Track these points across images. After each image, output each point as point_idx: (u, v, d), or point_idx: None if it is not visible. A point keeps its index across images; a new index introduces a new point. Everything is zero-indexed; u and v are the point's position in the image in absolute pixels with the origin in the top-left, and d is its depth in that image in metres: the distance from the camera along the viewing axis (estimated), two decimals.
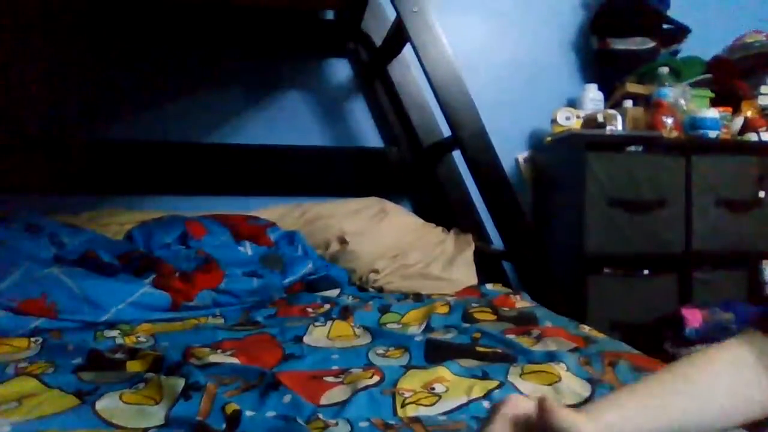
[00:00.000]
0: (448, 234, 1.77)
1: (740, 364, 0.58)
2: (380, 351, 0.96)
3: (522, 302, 1.33)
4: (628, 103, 1.95)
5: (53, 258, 1.29)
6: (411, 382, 0.77)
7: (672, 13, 2.12)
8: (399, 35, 1.68)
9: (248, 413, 0.62)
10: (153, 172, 1.92)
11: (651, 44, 2.07)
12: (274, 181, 1.99)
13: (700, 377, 0.58)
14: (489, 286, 1.55)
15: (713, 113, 1.86)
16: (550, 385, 0.76)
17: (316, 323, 1.10)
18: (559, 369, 0.80)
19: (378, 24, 1.95)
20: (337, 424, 0.62)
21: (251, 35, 1.97)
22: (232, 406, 0.63)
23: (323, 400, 0.72)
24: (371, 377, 0.77)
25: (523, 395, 0.48)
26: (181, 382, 0.68)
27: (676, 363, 0.61)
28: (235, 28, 1.96)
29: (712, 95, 2.00)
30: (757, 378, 0.57)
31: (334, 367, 0.87)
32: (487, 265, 1.72)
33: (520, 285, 1.67)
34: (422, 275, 1.57)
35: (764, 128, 1.91)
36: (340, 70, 2.11)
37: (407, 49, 1.74)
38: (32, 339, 1.00)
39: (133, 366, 0.82)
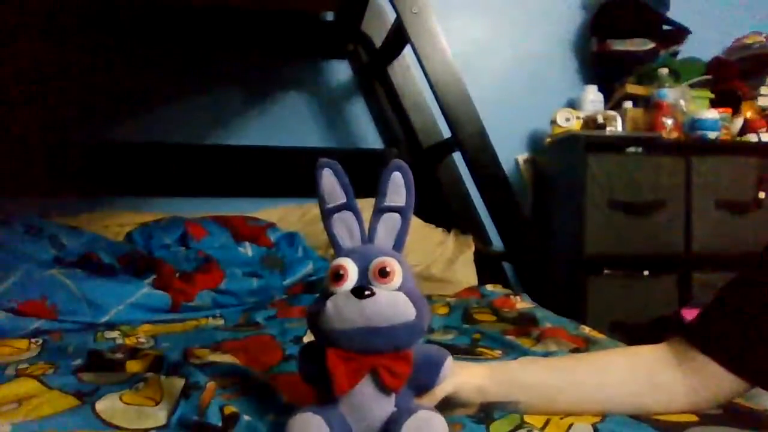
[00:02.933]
0: (448, 235, 1.77)
1: (641, 363, 0.64)
2: None
3: (522, 303, 1.33)
4: (628, 104, 1.95)
5: (53, 259, 1.29)
6: None
7: (672, 14, 2.12)
8: (399, 36, 1.68)
9: (246, 417, 0.62)
10: (153, 174, 1.92)
11: (650, 45, 2.07)
12: (274, 182, 1.99)
13: (600, 365, 0.65)
14: (489, 287, 1.54)
15: (713, 114, 1.86)
16: None
17: None
18: None
19: (378, 25, 1.95)
20: None
21: (251, 37, 1.98)
22: (230, 408, 0.63)
23: None
24: None
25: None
26: (181, 382, 0.68)
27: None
28: (235, 30, 1.96)
29: (712, 96, 2.00)
30: (672, 380, 0.61)
31: None
32: (487, 266, 1.73)
33: (520, 286, 1.67)
34: (422, 276, 1.57)
35: (764, 129, 1.91)
36: (340, 71, 2.11)
37: (407, 50, 1.74)
38: (32, 340, 1.00)
39: (133, 366, 0.82)
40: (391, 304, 0.54)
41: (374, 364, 0.54)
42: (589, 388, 0.62)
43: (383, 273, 0.55)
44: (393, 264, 0.56)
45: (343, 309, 0.54)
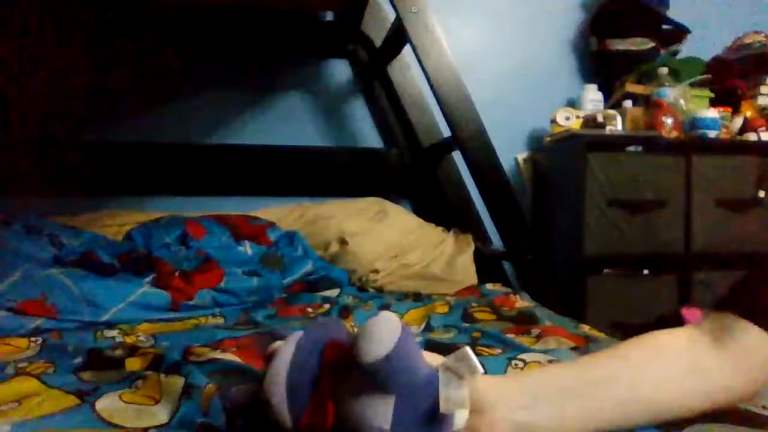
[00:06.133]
0: (448, 234, 1.77)
1: (680, 350, 0.57)
2: None
3: (522, 302, 1.33)
4: (628, 104, 1.95)
5: (53, 259, 1.29)
6: None
7: (671, 13, 2.12)
8: (398, 36, 1.68)
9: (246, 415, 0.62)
10: (153, 173, 1.92)
11: (650, 45, 2.07)
12: (274, 181, 1.99)
13: (637, 356, 0.57)
14: (489, 286, 1.55)
15: (713, 113, 1.86)
16: None
17: None
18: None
19: (377, 25, 1.95)
20: None
21: (251, 36, 1.97)
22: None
23: None
24: None
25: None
26: (180, 381, 0.69)
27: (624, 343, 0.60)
28: (235, 30, 1.96)
29: (712, 95, 2.00)
30: (716, 363, 0.55)
31: None
32: (486, 265, 1.73)
33: (519, 285, 1.67)
34: (422, 275, 1.57)
35: (764, 128, 1.92)
36: (340, 71, 2.11)
37: (407, 50, 1.74)
38: (32, 339, 1.00)
39: (133, 364, 0.82)
40: None
41: None
42: (636, 394, 0.54)
43: None
44: None
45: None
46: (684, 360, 0.55)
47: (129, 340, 1.03)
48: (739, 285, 0.59)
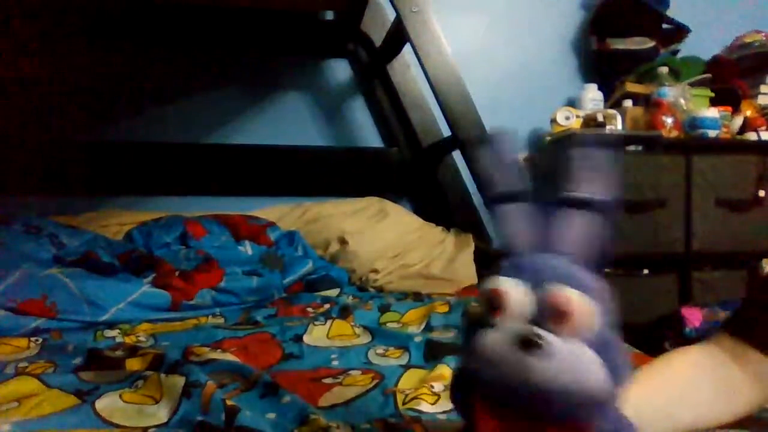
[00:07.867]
0: (448, 234, 1.77)
1: (705, 368, 0.58)
2: (380, 351, 0.96)
3: None
4: (628, 103, 1.95)
5: (53, 258, 1.29)
6: (410, 382, 0.77)
7: (671, 13, 2.12)
8: (398, 35, 1.68)
9: (247, 413, 0.62)
10: (152, 173, 1.92)
11: (650, 44, 2.07)
12: (274, 181, 1.99)
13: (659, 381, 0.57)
14: None
15: (713, 113, 1.85)
16: None
17: (316, 322, 1.10)
18: None
19: (378, 24, 1.95)
20: (338, 427, 0.62)
21: (251, 36, 1.97)
22: (231, 404, 0.64)
23: (322, 402, 0.72)
24: (371, 381, 0.77)
25: None
26: (181, 381, 0.69)
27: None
28: (234, 29, 1.96)
29: (712, 95, 2.00)
30: (729, 382, 0.56)
31: (334, 366, 0.87)
32: (487, 265, 1.72)
33: None
34: (422, 275, 1.57)
35: (764, 127, 1.91)
36: (340, 70, 2.11)
37: (407, 49, 1.74)
38: (32, 339, 1.00)
39: (133, 364, 0.82)
40: (570, 365, 0.37)
41: None
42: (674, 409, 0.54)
43: (560, 314, 0.38)
44: (575, 301, 0.38)
45: (501, 360, 0.38)
46: (712, 380, 0.56)
47: (129, 340, 1.04)
48: (745, 310, 0.62)
